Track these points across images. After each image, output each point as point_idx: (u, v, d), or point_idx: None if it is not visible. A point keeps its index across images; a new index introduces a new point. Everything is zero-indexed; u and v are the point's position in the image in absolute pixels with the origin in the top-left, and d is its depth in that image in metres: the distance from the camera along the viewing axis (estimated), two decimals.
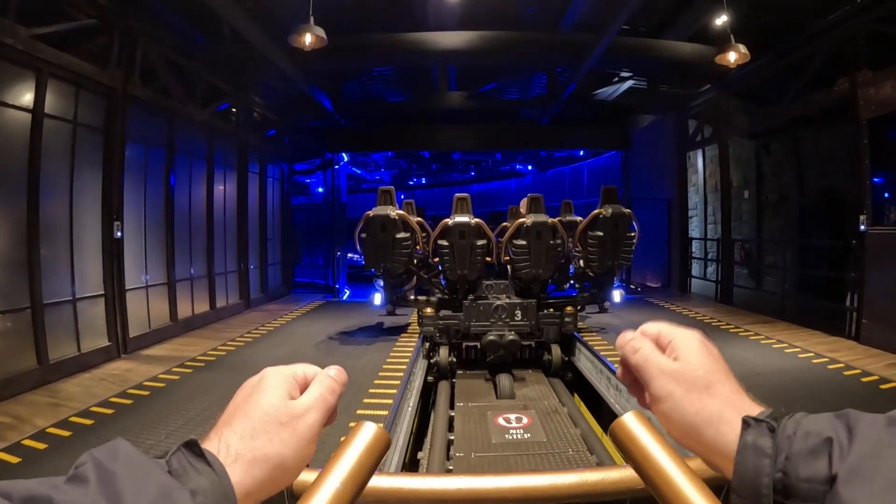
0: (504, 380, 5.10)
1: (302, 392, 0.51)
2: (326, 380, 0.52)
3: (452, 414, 4.71)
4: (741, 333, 6.76)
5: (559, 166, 17.55)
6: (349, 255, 13.81)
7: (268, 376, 0.50)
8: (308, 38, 5.50)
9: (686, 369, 0.50)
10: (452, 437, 4.24)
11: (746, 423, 0.45)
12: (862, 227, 6.28)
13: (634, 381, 0.56)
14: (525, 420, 4.38)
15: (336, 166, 12.12)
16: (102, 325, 5.91)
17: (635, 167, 12.75)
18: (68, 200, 5.52)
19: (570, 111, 11.57)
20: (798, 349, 5.88)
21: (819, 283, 7.71)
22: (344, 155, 12.75)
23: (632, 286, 11.48)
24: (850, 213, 6.61)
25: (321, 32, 5.51)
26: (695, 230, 11.01)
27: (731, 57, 6.11)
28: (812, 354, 5.68)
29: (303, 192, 15.30)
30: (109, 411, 4.13)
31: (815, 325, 6.95)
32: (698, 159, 10.87)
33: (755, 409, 0.47)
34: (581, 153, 15.22)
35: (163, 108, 6.88)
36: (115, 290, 5.98)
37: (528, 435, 4.11)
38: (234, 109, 8.91)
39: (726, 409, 0.47)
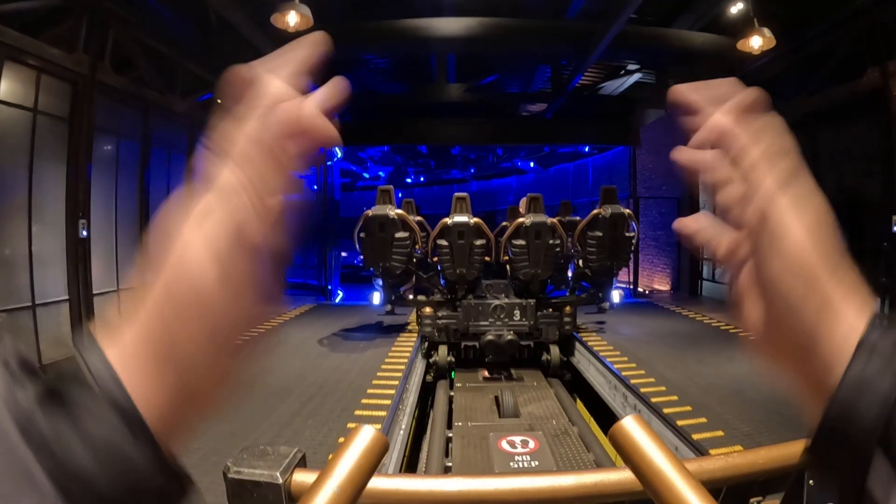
0: (507, 395, 4.69)
1: None
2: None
3: (450, 435, 4.34)
4: None
5: (563, 163, 17.04)
6: (343, 254, 13.35)
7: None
8: (292, 18, 5.01)
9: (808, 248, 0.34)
10: (450, 464, 3.86)
11: (876, 321, 0.31)
12: (895, 229, 5.81)
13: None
14: (532, 444, 3.99)
15: (329, 162, 11.60)
16: (67, 332, 5.40)
17: (641, 164, 12.31)
18: (27, 196, 5.03)
19: (575, 105, 11.14)
20: None
21: None
22: (337, 150, 12.24)
23: (640, 289, 10.99)
24: (877, 214, 6.15)
25: (307, 11, 5.03)
26: None
27: (755, 42, 5.62)
28: None
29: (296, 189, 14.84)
30: None
31: None
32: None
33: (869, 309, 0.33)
34: (586, 149, 14.68)
35: (137, 97, 6.36)
36: (81, 295, 5.47)
37: (536, 463, 3.72)
38: (218, 101, 8.37)
39: (848, 299, 0.33)
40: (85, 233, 5.46)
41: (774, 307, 0.35)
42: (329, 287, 11.30)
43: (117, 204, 6.14)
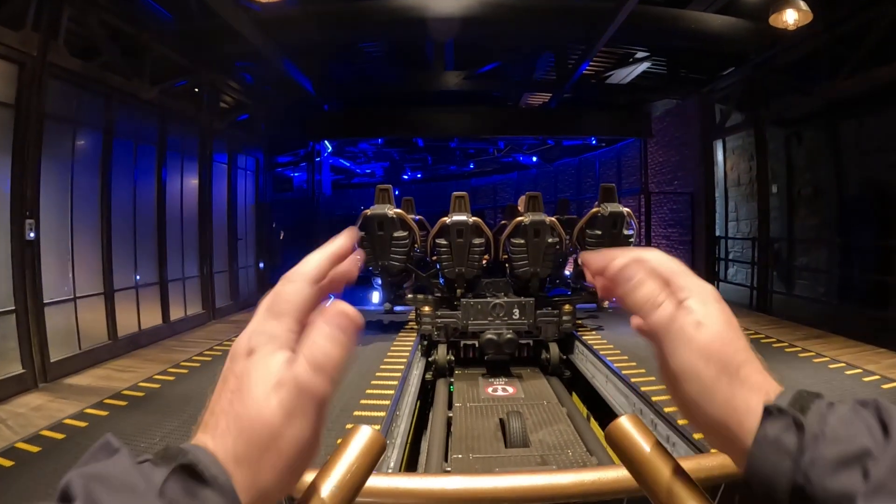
0: (514, 420, 4.15)
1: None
2: (317, 346, 0.39)
3: (448, 469, 3.76)
4: (799, 354, 5.63)
5: (567, 157, 16.33)
6: None
7: (257, 360, 0.37)
8: None
9: (717, 345, 0.40)
10: None
11: (769, 411, 0.36)
12: None
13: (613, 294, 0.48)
14: None
15: (318, 158, 10.93)
16: (14, 347, 4.75)
17: (651, 158, 11.66)
18: None
19: (581, 95, 10.51)
20: (877, 375, 4.77)
21: (880, 290, 6.60)
22: (328, 144, 11.57)
23: None
24: None
25: None
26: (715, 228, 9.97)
27: (790, 17, 4.98)
28: None
29: (289, 186, 14.20)
30: None
31: (878, 341, 5.86)
32: (718, 150, 9.85)
33: (777, 391, 0.38)
34: (594, 142, 14.00)
35: (97, 81, 5.69)
36: (29, 304, 4.82)
37: None
38: (196, 89, 7.70)
39: (753, 397, 0.38)
40: (32, 234, 4.80)
41: (688, 388, 0.40)
42: None
43: (73, 201, 5.46)
